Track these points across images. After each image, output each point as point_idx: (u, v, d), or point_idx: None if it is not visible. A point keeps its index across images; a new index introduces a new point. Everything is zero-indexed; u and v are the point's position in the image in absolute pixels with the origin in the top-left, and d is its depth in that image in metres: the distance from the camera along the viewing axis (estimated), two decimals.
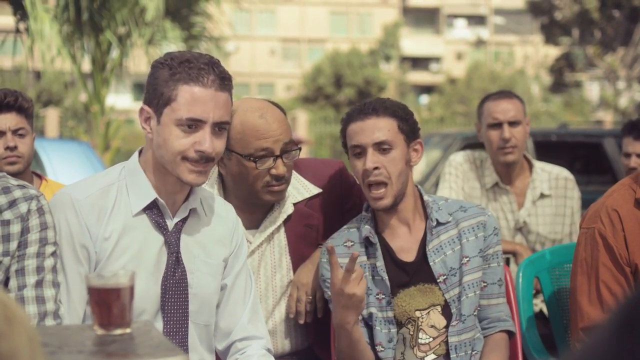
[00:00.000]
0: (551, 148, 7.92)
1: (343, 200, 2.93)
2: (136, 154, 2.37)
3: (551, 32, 29.89)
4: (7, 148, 3.32)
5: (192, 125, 2.20)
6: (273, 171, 2.65)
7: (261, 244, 2.80)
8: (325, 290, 2.67)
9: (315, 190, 2.86)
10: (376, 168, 2.58)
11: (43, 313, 2.19)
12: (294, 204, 2.83)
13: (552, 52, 35.14)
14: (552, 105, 38.45)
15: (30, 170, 3.50)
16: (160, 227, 2.31)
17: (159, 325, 2.30)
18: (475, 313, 2.66)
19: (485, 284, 2.69)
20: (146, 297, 2.27)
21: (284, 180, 2.69)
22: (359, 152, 2.62)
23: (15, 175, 2.62)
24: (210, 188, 2.77)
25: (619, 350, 0.85)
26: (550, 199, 3.91)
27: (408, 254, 2.67)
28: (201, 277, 2.37)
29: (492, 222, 2.70)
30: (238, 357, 2.46)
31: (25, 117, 3.38)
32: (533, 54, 47.13)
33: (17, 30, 12.21)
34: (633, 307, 0.87)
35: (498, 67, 44.68)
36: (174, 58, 2.24)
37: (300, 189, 2.85)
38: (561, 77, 31.65)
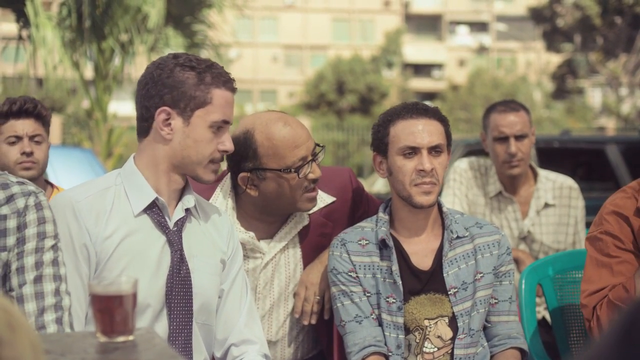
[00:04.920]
0: (553, 155, 7.90)
1: (354, 207, 2.91)
2: (131, 159, 2.41)
3: (553, 38, 29.94)
4: (24, 153, 3.36)
5: (221, 127, 2.33)
6: (311, 175, 2.65)
7: (275, 255, 2.78)
8: (335, 283, 2.65)
9: (329, 199, 2.84)
10: (431, 170, 2.60)
11: (42, 308, 2.19)
12: (309, 215, 2.81)
13: (554, 59, 35.16)
14: (555, 112, 38.45)
15: (43, 178, 3.53)
16: (162, 226, 2.34)
17: (164, 324, 2.32)
18: (481, 328, 2.67)
19: (496, 301, 2.70)
20: (150, 296, 2.28)
21: (317, 182, 2.70)
22: (410, 152, 2.61)
23: (29, 181, 2.64)
24: (224, 199, 2.76)
25: (621, 355, 0.85)
26: (554, 209, 3.89)
27: (423, 262, 2.66)
28: (201, 277, 2.38)
29: (505, 242, 2.73)
30: None
31: (43, 125, 3.43)
32: (535, 60, 47.14)
33: (20, 37, 12.23)
34: (634, 316, 0.87)
35: (500, 73, 44.69)
36: (195, 61, 2.32)
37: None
38: (563, 84, 31.69)
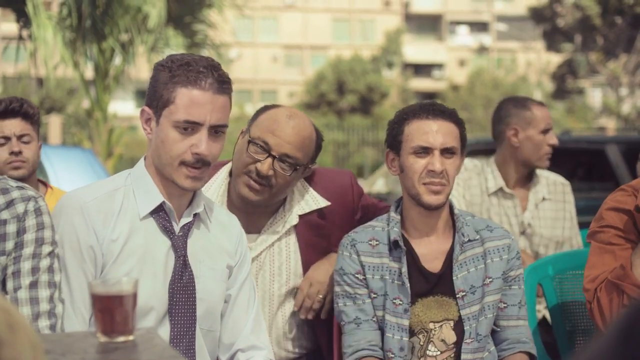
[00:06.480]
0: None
1: (354, 210, 2.92)
2: (142, 160, 2.38)
3: (553, 38, 29.93)
4: (12, 153, 3.35)
5: (189, 127, 2.23)
6: (258, 165, 2.64)
7: (261, 252, 2.79)
8: (340, 283, 2.64)
9: (323, 203, 2.84)
10: (441, 171, 2.57)
11: (36, 314, 2.19)
12: (301, 215, 2.81)
13: (555, 59, 35.17)
14: (555, 112, 38.43)
15: (35, 177, 3.52)
16: (167, 230, 2.32)
17: (166, 329, 2.31)
18: (489, 334, 2.65)
19: (505, 305, 2.68)
20: (153, 300, 2.27)
21: (266, 183, 2.65)
22: (422, 152, 2.59)
23: (20, 181, 2.64)
24: (217, 188, 2.79)
25: (619, 357, 0.85)
26: (550, 202, 3.99)
27: (432, 264, 2.63)
28: (206, 283, 2.37)
29: (515, 246, 2.71)
30: None
31: (31, 124, 3.41)
32: (535, 60, 47.15)
33: (20, 37, 12.24)
34: (634, 316, 0.87)
35: (500, 73, 44.70)
36: (175, 61, 2.27)
37: (309, 200, 2.84)
38: (563, 84, 31.69)
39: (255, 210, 2.76)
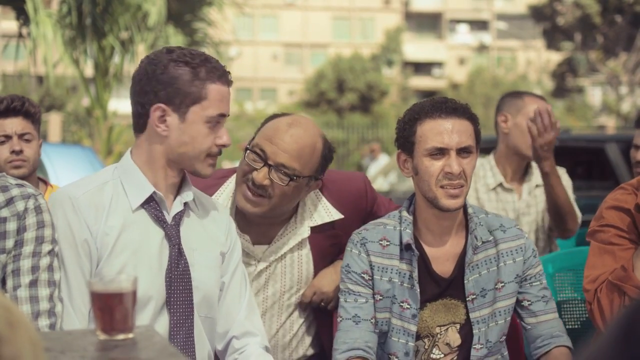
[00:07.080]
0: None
1: (366, 216, 2.84)
2: (128, 154, 2.40)
3: (553, 37, 29.93)
4: (13, 152, 3.35)
5: (219, 121, 2.32)
6: (254, 173, 2.59)
7: (270, 264, 2.76)
8: (343, 280, 2.57)
9: (336, 215, 2.77)
10: (459, 173, 2.46)
11: (36, 313, 2.20)
12: (313, 227, 2.76)
13: (555, 57, 35.16)
14: (555, 111, 38.30)
15: (35, 176, 3.52)
16: (160, 220, 2.34)
17: (165, 318, 2.32)
18: (502, 339, 2.59)
19: (530, 302, 2.61)
20: (152, 291, 2.29)
21: (262, 192, 2.59)
22: (438, 153, 2.47)
23: (20, 179, 2.64)
24: (226, 197, 2.77)
25: (619, 357, 0.85)
26: (542, 188, 4.02)
27: (444, 267, 2.55)
28: (201, 270, 2.39)
29: (530, 244, 2.62)
30: (237, 357, 2.47)
31: (32, 123, 3.41)
32: (535, 59, 47.14)
33: (20, 35, 12.23)
34: (633, 316, 0.87)
35: (500, 72, 44.68)
36: (189, 55, 2.29)
37: (322, 212, 2.78)
38: (563, 82, 31.69)
39: (264, 220, 2.71)
